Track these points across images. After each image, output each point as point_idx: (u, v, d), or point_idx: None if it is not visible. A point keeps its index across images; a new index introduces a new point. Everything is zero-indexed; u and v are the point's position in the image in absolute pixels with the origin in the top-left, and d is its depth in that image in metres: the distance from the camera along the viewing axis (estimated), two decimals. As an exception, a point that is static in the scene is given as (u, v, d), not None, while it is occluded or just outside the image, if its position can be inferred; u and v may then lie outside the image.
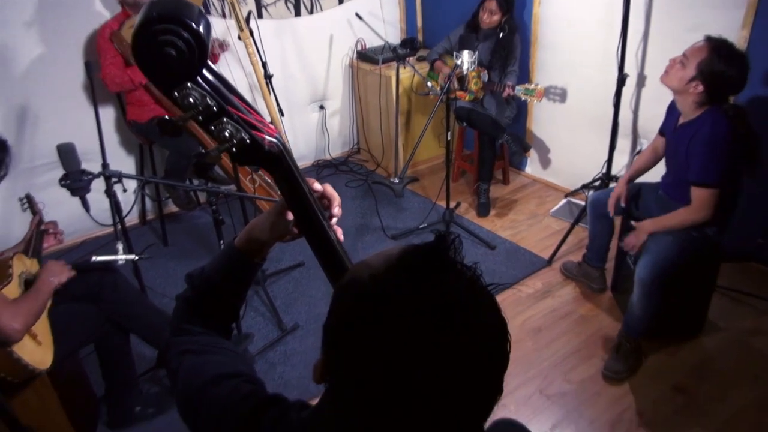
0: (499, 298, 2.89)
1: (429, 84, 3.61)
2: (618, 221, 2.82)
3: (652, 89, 3.21)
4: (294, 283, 3.13)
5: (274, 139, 0.82)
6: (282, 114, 3.86)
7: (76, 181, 1.85)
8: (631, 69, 3.16)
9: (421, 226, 3.54)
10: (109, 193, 2.06)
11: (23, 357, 1.74)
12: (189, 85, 0.71)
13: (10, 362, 1.72)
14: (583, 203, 3.63)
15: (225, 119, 0.75)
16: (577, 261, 3.05)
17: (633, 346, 2.43)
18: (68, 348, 2.00)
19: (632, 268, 2.60)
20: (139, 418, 2.31)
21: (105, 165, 2.16)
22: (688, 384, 2.37)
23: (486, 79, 3.57)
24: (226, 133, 0.75)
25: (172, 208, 3.80)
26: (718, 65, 2.09)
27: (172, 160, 3.33)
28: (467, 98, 3.57)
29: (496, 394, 0.68)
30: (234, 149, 0.76)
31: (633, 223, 2.50)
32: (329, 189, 1.01)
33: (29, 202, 2.26)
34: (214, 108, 0.73)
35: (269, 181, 3.25)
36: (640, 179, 2.66)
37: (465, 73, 3.28)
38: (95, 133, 2.74)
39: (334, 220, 1.03)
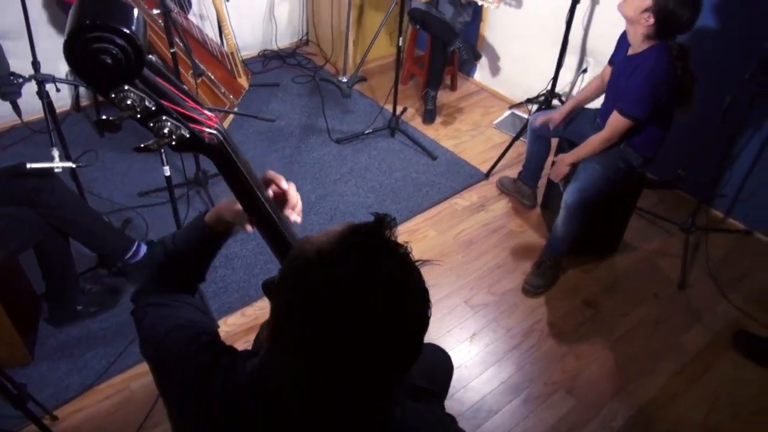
0: (436, 211, 3.04)
1: (383, -19, 3.44)
2: (554, 143, 2.93)
3: (606, 8, 3.20)
4: (236, 184, 3.14)
5: (213, 131, 0.83)
6: (227, -1, 3.63)
7: (5, 86, 1.75)
8: (588, -15, 3.12)
9: (366, 132, 3.55)
10: (42, 95, 1.96)
11: None
12: (126, 87, 0.71)
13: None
14: (526, 116, 3.71)
15: (164, 117, 0.75)
16: (512, 177, 3.18)
17: (553, 263, 2.64)
18: (6, 252, 2.00)
19: (561, 190, 2.76)
20: (80, 315, 2.38)
21: (36, 64, 2.03)
22: (598, 299, 2.63)
23: (443, -20, 3.43)
24: (165, 130, 0.76)
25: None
26: (672, 3, 2.11)
27: (107, 48, 3.12)
28: (422, -1, 3.45)
29: (418, 351, 0.81)
30: (174, 143, 0.77)
31: (555, 158, 2.64)
32: (292, 191, 1.11)
33: None
34: (153, 108, 0.74)
35: (213, 78, 3.14)
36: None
37: (420, -26, 3.16)
38: (19, 7, 2.50)
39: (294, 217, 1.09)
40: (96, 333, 2.37)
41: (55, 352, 2.30)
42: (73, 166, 2.00)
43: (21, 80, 1.78)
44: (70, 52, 0.67)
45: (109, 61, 0.67)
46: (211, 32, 3.63)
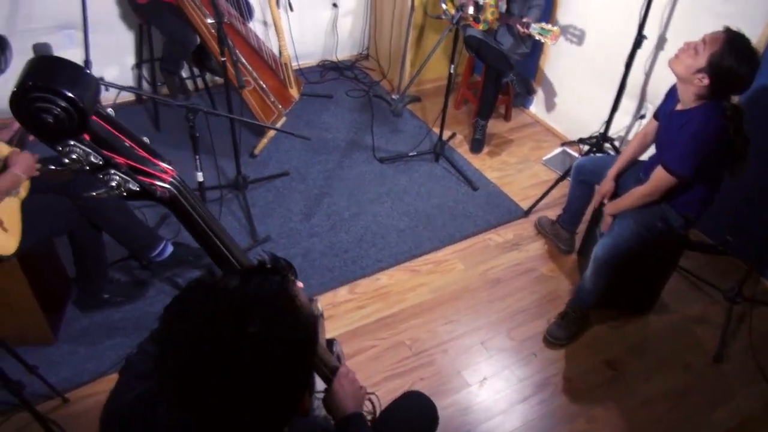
0: (468, 243, 2.98)
1: (443, 5, 3.42)
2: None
3: (670, 54, 3.05)
4: (275, 192, 3.18)
5: (166, 185, 0.83)
6: (291, 9, 3.72)
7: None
8: (653, 29, 3.00)
9: (410, 154, 3.53)
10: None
11: None
12: (71, 142, 0.72)
13: (-30, 243, 1.82)
14: (577, 155, 3.60)
15: (112, 171, 0.76)
16: (552, 218, 3.08)
17: (579, 315, 2.53)
18: (38, 237, 2.09)
19: (598, 239, 2.65)
20: (106, 303, 2.47)
21: (87, 63, 2.12)
22: (622, 360, 2.50)
23: (504, 9, 3.37)
24: (113, 183, 0.77)
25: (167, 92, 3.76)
26: (728, 60, 2.00)
27: (168, 49, 3.25)
28: (481, 27, 3.40)
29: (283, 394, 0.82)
30: (125, 194, 0.79)
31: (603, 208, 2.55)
32: None
33: None
34: (99, 162, 0.75)
35: (265, 87, 3.20)
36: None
37: (481, 2, 3.12)
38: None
39: None
40: (117, 323, 2.45)
41: (78, 336, 2.39)
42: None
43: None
44: (15, 107, 0.69)
45: (51, 120, 0.69)
46: (272, 41, 3.72)
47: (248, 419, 0.80)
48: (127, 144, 0.81)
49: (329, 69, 4.33)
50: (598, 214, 2.76)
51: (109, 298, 2.48)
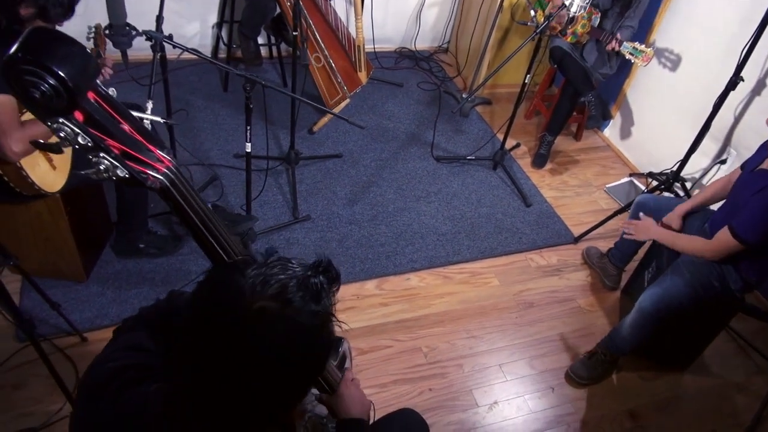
0: (508, 260, 2.87)
1: (532, 12, 3.27)
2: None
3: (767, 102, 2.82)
4: (324, 173, 3.16)
5: (159, 175, 0.80)
6: (377, -9, 3.66)
7: (119, 35, 1.86)
8: (753, 72, 2.77)
9: (469, 157, 3.43)
10: (155, 50, 2.07)
11: (31, 176, 1.87)
12: (60, 120, 0.70)
13: (19, 177, 1.87)
14: (644, 189, 3.40)
15: (101, 154, 0.73)
16: (602, 251, 2.92)
17: (608, 359, 2.39)
18: (84, 180, 2.15)
19: (645, 285, 2.50)
20: (141, 253, 2.52)
21: (159, 19, 2.13)
22: (645, 414, 2.35)
23: (596, 24, 3.20)
24: (102, 167, 0.74)
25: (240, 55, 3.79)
26: None
27: (247, 14, 3.26)
28: (569, 40, 3.24)
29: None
30: (113, 179, 0.76)
31: (641, 214, 2.42)
32: None
33: (96, 35, 2.22)
34: (89, 144, 0.72)
35: (334, 66, 3.17)
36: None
37: (573, 15, 2.97)
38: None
39: None
40: (147, 273, 2.50)
41: (108, 279, 2.46)
42: (161, 121, 2.09)
43: (134, 33, 1.88)
44: (5, 75, 0.67)
45: (38, 96, 0.67)
46: (350, 21, 3.68)
47: (226, 412, 0.79)
48: (124, 128, 0.78)
49: (405, 57, 4.25)
50: (651, 255, 2.60)
51: (144, 248, 2.53)
